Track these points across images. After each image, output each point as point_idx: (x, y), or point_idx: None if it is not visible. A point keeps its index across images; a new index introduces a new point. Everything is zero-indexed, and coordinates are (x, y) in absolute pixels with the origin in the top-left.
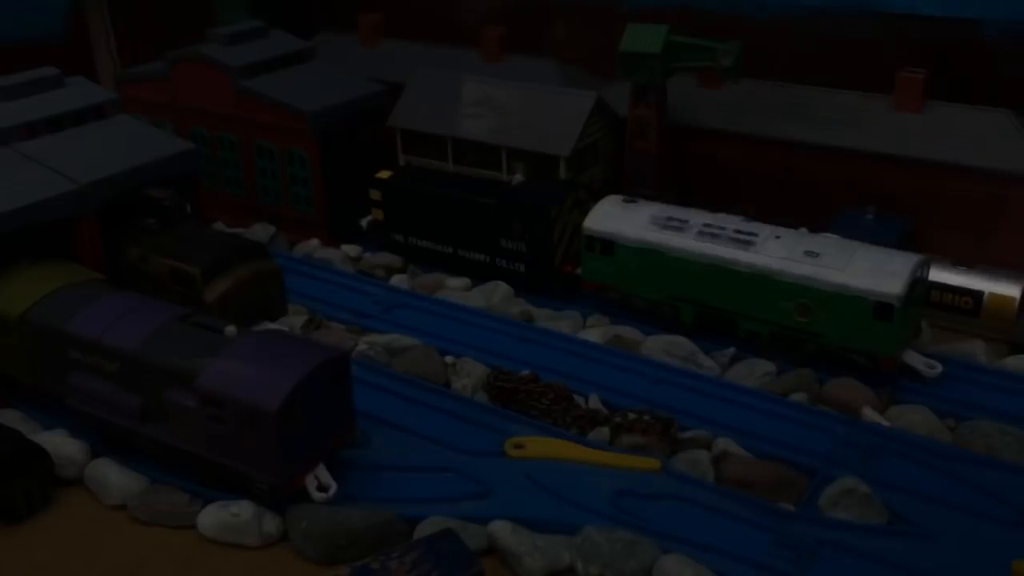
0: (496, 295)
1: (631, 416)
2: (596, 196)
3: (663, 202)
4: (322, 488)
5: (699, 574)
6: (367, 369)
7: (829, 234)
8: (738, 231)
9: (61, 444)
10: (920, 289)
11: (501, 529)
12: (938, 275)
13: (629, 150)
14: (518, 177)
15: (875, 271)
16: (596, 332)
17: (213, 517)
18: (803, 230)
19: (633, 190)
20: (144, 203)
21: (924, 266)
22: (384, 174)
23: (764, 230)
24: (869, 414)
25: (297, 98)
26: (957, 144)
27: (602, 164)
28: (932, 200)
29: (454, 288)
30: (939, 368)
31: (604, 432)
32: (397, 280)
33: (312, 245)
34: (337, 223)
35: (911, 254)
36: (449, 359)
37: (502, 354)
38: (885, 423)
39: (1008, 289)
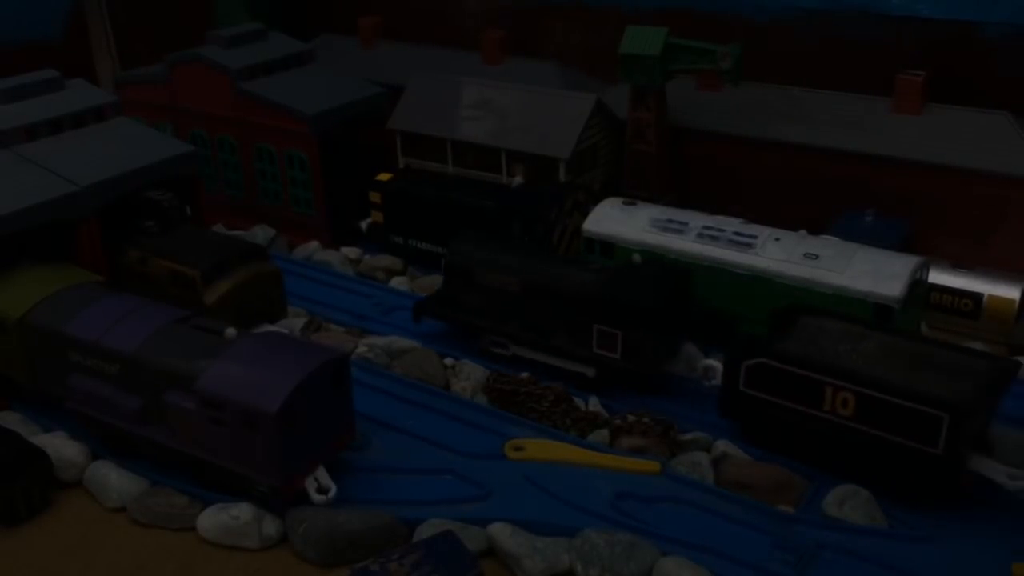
0: None
1: (631, 418)
2: (596, 198)
3: (662, 204)
4: (322, 490)
5: None
6: (367, 371)
7: (828, 236)
8: (737, 233)
9: (61, 446)
10: (920, 291)
11: (501, 531)
12: (937, 277)
13: (629, 152)
14: (517, 179)
15: (875, 273)
16: None
17: (213, 519)
18: (802, 232)
19: (632, 192)
20: (144, 205)
21: (923, 268)
22: (384, 176)
23: (763, 232)
24: None
25: (297, 100)
26: (956, 146)
27: (601, 166)
28: (931, 202)
29: None
30: None
31: (604, 434)
32: (397, 282)
33: (312, 247)
34: (337, 225)
35: (910, 256)
36: (448, 361)
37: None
38: None
39: (1008, 291)
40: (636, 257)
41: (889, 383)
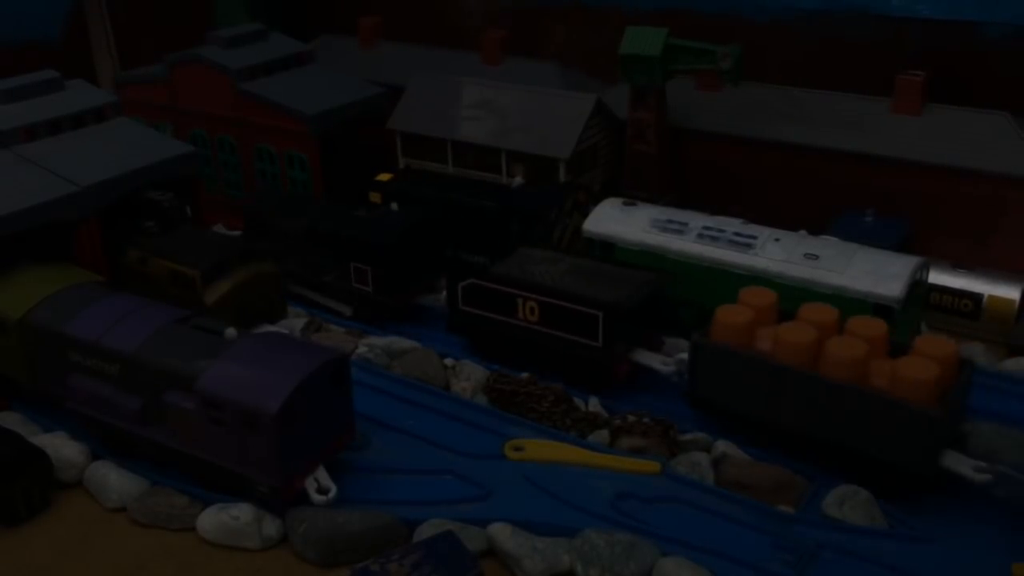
0: None
1: (631, 419)
2: (596, 198)
3: (663, 204)
4: (322, 491)
5: None
6: (367, 371)
7: (829, 236)
8: (738, 234)
9: (61, 446)
10: (920, 291)
11: (501, 531)
12: (937, 277)
13: (629, 152)
14: (518, 179)
15: (874, 273)
16: None
17: (213, 519)
18: (803, 232)
19: (632, 192)
20: (144, 205)
21: (923, 268)
22: (384, 176)
23: (763, 232)
24: None
25: (297, 101)
26: (956, 147)
27: (602, 166)
28: (931, 202)
29: None
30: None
31: (604, 435)
32: None
33: None
34: None
35: (910, 256)
36: (449, 362)
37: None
38: None
39: (1007, 291)
40: (394, 205)
41: (561, 291)
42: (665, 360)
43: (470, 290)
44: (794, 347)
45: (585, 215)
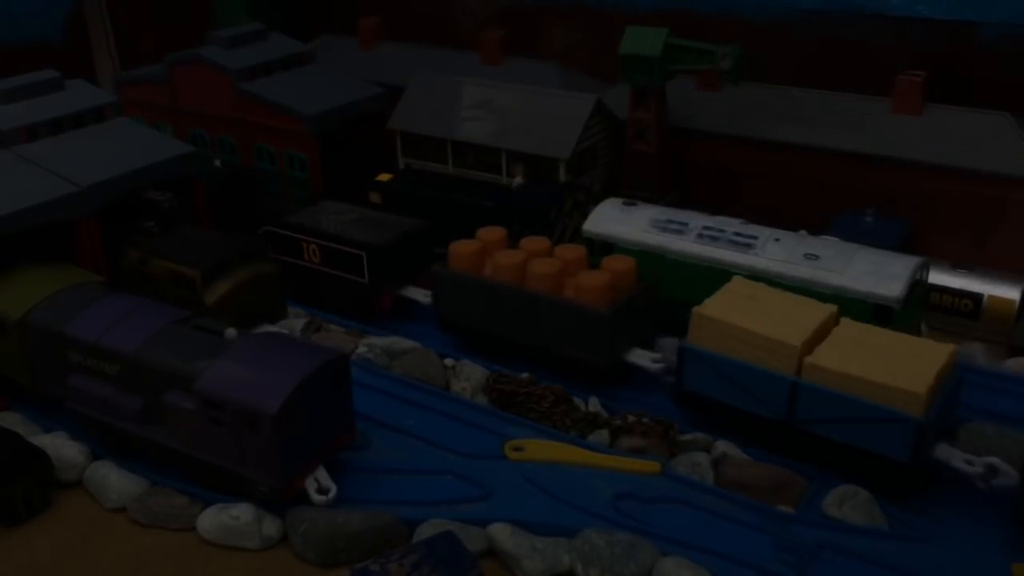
0: None
1: (631, 419)
2: (596, 198)
3: (664, 204)
4: (322, 490)
5: None
6: (367, 371)
7: (829, 236)
8: (738, 234)
9: (61, 447)
10: (920, 291)
11: (501, 531)
12: (937, 277)
13: (629, 152)
14: (517, 179)
15: (874, 273)
16: None
17: (213, 519)
18: (802, 232)
19: (633, 192)
20: (144, 205)
21: (923, 268)
22: (384, 177)
23: (764, 233)
24: None
25: (297, 101)
26: (956, 147)
27: (601, 167)
28: (931, 202)
29: None
30: None
31: (604, 435)
32: None
33: None
34: None
35: (910, 256)
36: (449, 362)
37: (501, 356)
38: None
39: (1007, 291)
40: (217, 162)
41: (335, 236)
42: (426, 294)
43: (269, 237)
44: (507, 269)
45: (585, 215)
